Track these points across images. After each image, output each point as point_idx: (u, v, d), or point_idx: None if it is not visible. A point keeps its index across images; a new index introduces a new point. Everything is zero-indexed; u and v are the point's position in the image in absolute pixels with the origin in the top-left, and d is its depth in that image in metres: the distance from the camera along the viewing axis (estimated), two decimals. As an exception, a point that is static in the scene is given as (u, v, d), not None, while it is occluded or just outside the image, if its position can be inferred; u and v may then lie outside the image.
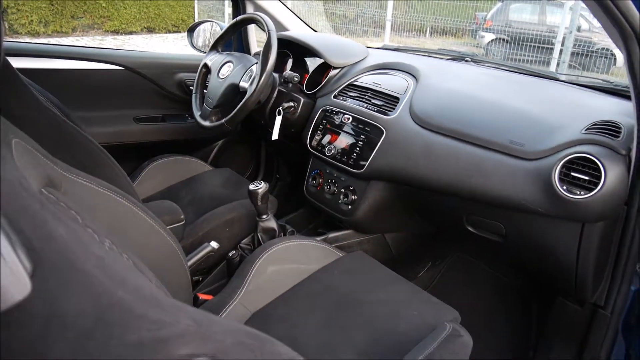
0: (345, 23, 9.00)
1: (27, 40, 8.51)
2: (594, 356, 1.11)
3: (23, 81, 0.97)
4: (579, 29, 6.64)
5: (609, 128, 1.01)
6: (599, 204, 0.94)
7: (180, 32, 10.79)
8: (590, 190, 0.94)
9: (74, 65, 1.66)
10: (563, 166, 0.98)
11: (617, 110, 1.15)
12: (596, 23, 7.37)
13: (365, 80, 1.51)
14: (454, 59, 1.74)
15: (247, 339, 0.59)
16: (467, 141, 1.17)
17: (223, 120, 1.45)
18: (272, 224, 1.36)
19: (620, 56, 6.77)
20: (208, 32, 2.00)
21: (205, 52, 1.77)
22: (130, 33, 10.17)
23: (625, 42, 0.87)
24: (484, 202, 1.15)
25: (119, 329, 0.44)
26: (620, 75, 6.76)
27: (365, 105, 1.41)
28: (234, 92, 1.50)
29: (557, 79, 1.47)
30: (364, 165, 1.35)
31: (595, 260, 1.05)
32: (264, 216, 1.35)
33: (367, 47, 1.88)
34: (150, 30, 10.49)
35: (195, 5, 10.46)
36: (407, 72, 1.46)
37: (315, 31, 2.01)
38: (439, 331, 0.97)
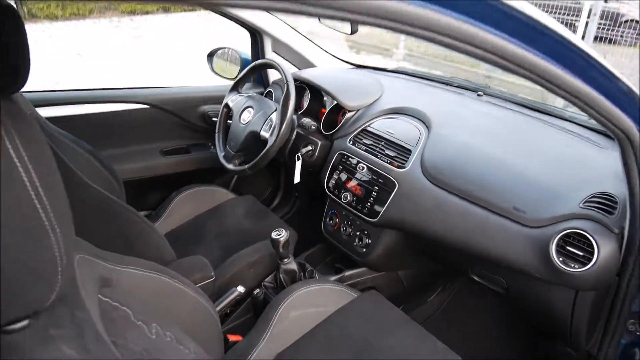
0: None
1: (46, 25, 8.63)
2: None
3: (68, 164, 1.08)
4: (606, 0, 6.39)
5: (606, 203, 1.09)
6: (592, 278, 1.03)
7: (194, 10, 10.77)
8: (584, 264, 1.03)
9: (102, 108, 1.78)
10: (560, 239, 1.07)
11: (620, 173, 1.22)
12: None
13: (379, 126, 1.58)
14: (466, 88, 1.80)
15: None
16: (475, 202, 1.25)
17: (246, 167, 1.55)
18: (293, 265, 1.48)
19: None
20: (227, 56, 2.09)
21: (221, 76, 1.87)
22: (147, 13, 10.20)
23: (619, 143, 0.94)
24: (487, 260, 1.24)
25: None
26: None
27: (379, 155, 1.50)
28: (255, 139, 1.60)
29: (564, 118, 1.54)
30: (378, 215, 1.45)
31: (588, 319, 1.16)
32: (285, 260, 1.47)
33: (382, 69, 1.95)
34: (166, 10, 10.49)
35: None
36: (419, 120, 1.54)
37: (341, 59, 2.07)
38: None
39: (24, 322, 0.53)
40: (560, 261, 1.06)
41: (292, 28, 1.95)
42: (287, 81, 1.51)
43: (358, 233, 1.56)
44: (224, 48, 2.06)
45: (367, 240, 1.53)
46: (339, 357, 1.20)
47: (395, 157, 1.47)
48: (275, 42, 1.92)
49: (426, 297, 1.81)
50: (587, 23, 6.14)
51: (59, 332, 0.55)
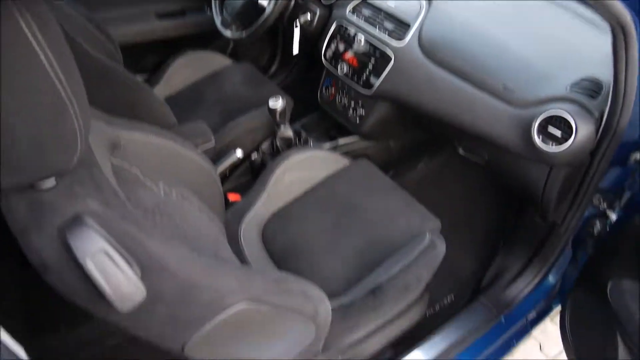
0: None
1: None
2: (545, 260, 1.40)
3: (69, 34, 1.09)
4: None
5: (591, 87, 1.14)
6: (567, 156, 1.12)
7: None
8: (561, 144, 1.11)
9: None
10: (543, 120, 1.13)
11: (608, 52, 1.24)
12: None
13: None
14: None
15: (273, 284, 0.87)
16: (466, 79, 1.29)
17: (243, 35, 1.54)
18: (289, 132, 1.55)
19: None
20: None
21: None
22: None
23: (612, 30, 0.95)
24: (472, 134, 1.32)
25: (195, 296, 0.70)
26: None
27: (377, 27, 1.48)
28: (253, 6, 1.56)
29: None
30: (373, 87, 1.48)
31: (559, 191, 1.27)
32: (282, 126, 1.53)
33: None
34: None
35: None
36: None
37: None
38: (418, 242, 1.22)
39: (52, 182, 0.61)
40: (539, 140, 1.13)
41: None
42: None
43: (353, 104, 1.61)
44: None
45: (361, 111, 1.59)
46: (328, 215, 1.33)
47: (394, 30, 1.46)
48: None
49: (413, 166, 1.92)
50: None
51: (83, 190, 0.63)
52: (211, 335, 0.76)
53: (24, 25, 0.49)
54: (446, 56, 1.33)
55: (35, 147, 0.55)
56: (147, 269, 0.63)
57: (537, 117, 1.13)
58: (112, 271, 0.58)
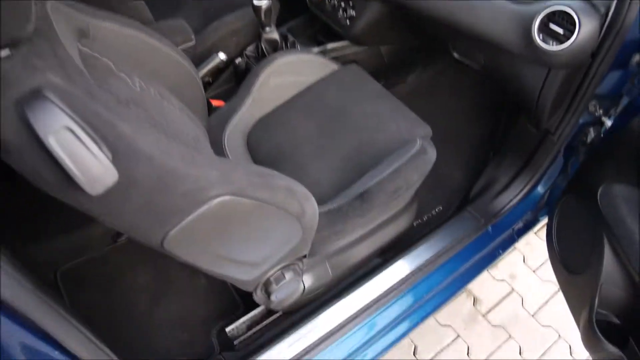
0: None
1: None
2: (535, 169, 1.38)
3: None
4: None
5: None
6: (567, 56, 1.06)
7: None
8: (562, 42, 1.04)
9: None
10: (545, 16, 1.06)
11: None
12: None
13: None
14: None
15: (257, 177, 0.83)
16: None
17: None
18: (275, 35, 1.46)
19: None
20: None
21: None
22: None
23: None
24: (469, 35, 1.24)
25: (172, 185, 0.66)
26: None
27: None
28: None
29: None
30: None
31: (555, 96, 1.22)
32: (267, 28, 1.44)
33: None
34: None
35: None
36: None
37: None
38: (408, 148, 1.19)
39: (6, 51, 0.54)
40: (540, 38, 1.07)
41: None
42: None
43: (343, 4, 1.50)
44: None
45: (351, 11, 1.48)
46: (316, 120, 1.28)
47: None
48: None
49: (405, 76, 1.85)
50: None
51: (42, 62, 0.57)
52: (192, 229, 0.73)
53: None
54: None
55: None
56: (118, 152, 0.59)
57: (539, 13, 1.06)
58: (78, 150, 0.53)
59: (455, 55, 1.39)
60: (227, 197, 0.72)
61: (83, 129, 0.54)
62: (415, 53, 1.81)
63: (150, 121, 0.80)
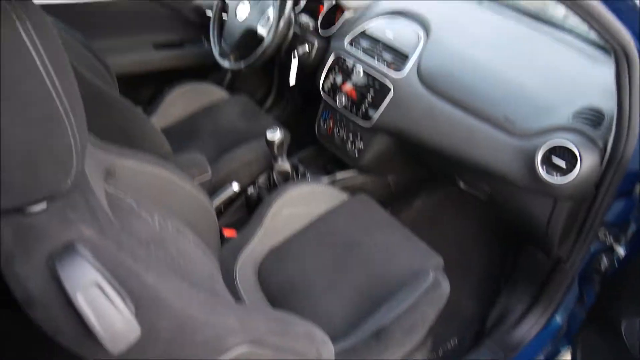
0: None
1: None
2: (551, 299, 1.35)
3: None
4: None
5: (594, 117, 1.12)
6: (572, 188, 1.09)
7: None
8: (566, 174, 1.08)
9: None
10: (546, 150, 1.11)
11: (610, 87, 1.23)
12: None
13: (378, 27, 1.54)
14: None
15: (276, 324, 0.81)
16: (467, 110, 1.27)
17: (242, 66, 1.53)
18: (286, 166, 1.52)
19: None
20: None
21: None
22: None
23: (615, 56, 0.95)
24: (473, 167, 1.29)
25: (191, 334, 0.64)
26: None
27: (376, 58, 1.48)
28: (252, 36, 1.56)
29: (564, 28, 1.50)
30: (371, 119, 1.46)
31: (563, 226, 1.23)
32: (279, 159, 1.50)
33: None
34: None
35: None
36: (418, 23, 1.50)
37: None
38: (421, 280, 1.17)
39: (43, 205, 0.56)
40: (543, 171, 1.11)
41: None
42: None
43: (351, 137, 1.59)
44: None
45: (359, 144, 1.57)
46: (327, 252, 1.28)
47: (392, 61, 1.45)
48: None
49: (412, 202, 1.89)
50: None
51: (76, 215, 0.58)
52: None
53: (20, 29, 0.46)
54: (445, 87, 1.32)
55: (26, 165, 0.51)
56: (142, 304, 0.58)
57: (540, 147, 1.11)
58: (104, 307, 0.53)
59: (461, 185, 1.44)
60: (245, 347, 0.70)
61: (111, 284, 0.54)
62: (422, 182, 1.87)
63: (170, 263, 0.80)
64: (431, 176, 1.82)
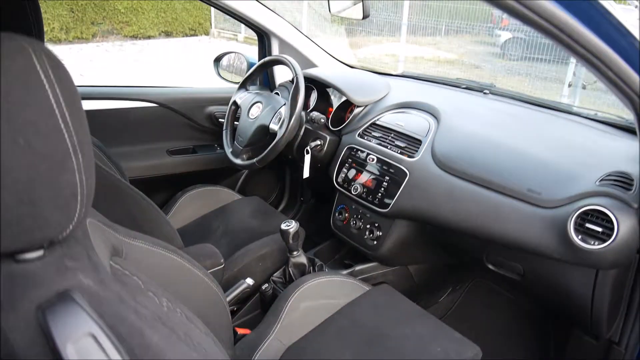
0: (361, 24, 9.03)
1: (49, 47, 8.71)
2: None
3: None
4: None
5: (622, 180, 1.08)
6: (612, 254, 1.01)
7: (197, 35, 10.96)
8: (604, 241, 1.01)
9: (112, 104, 1.78)
10: (578, 217, 1.05)
11: (631, 155, 1.21)
12: (616, 15, 7.38)
13: (388, 119, 1.58)
14: (470, 88, 1.80)
15: None
16: (488, 187, 1.24)
17: (254, 161, 1.54)
18: (303, 259, 1.45)
19: None
20: (233, 61, 2.10)
21: (227, 80, 1.88)
22: (149, 37, 10.36)
23: (634, 107, 0.93)
24: (502, 245, 1.22)
25: None
26: None
27: (389, 146, 1.49)
28: (264, 132, 1.59)
29: (571, 112, 1.53)
30: (389, 205, 1.43)
31: (610, 301, 1.12)
32: (295, 252, 1.44)
33: (387, 74, 1.97)
34: (167, 34, 10.66)
35: (212, 9, 10.58)
36: (428, 112, 1.54)
37: (342, 62, 2.09)
38: None
39: (39, 252, 0.50)
40: (579, 239, 1.04)
41: (297, 29, 1.97)
42: (296, 74, 1.52)
43: (368, 226, 1.54)
44: (231, 52, 2.07)
45: (377, 232, 1.51)
46: (351, 347, 1.17)
47: (406, 147, 1.46)
48: (282, 43, 1.94)
49: (437, 297, 1.77)
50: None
51: (75, 264, 0.52)
52: None
53: (34, 57, 0.44)
54: (462, 166, 1.30)
55: (27, 203, 0.45)
56: None
57: (572, 214, 1.05)
58: None
59: (490, 267, 1.35)
60: None
61: (108, 336, 0.46)
62: (447, 271, 1.77)
63: (177, 337, 0.71)
64: (456, 263, 1.72)
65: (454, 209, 1.29)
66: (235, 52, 2.07)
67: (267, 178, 2.26)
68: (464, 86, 1.83)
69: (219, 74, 2.06)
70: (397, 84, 1.85)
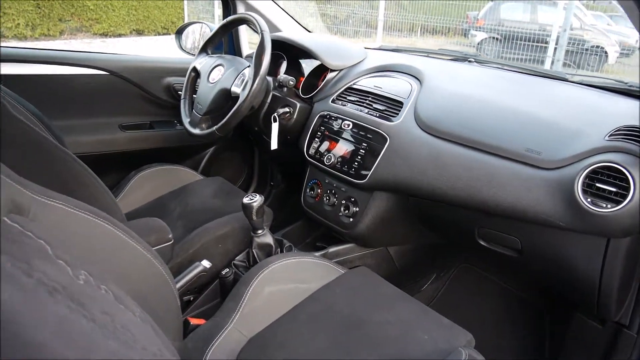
0: (336, 24, 8.94)
1: (13, 44, 8.34)
2: None
3: None
4: (570, 27, 6.68)
5: (636, 134, 0.93)
6: (628, 218, 0.86)
7: (169, 34, 10.65)
8: (618, 202, 0.86)
9: (55, 70, 1.57)
10: (586, 177, 0.90)
11: (638, 113, 1.07)
12: (587, 21, 7.49)
13: (366, 83, 1.42)
14: (456, 59, 1.65)
15: None
16: (479, 149, 1.08)
17: (214, 128, 1.35)
18: (268, 239, 1.27)
19: (612, 53, 7.00)
20: (197, 34, 1.90)
21: (194, 55, 1.68)
22: (119, 36, 10.02)
23: None
24: (498, 215, 1.06)
25: None
26: (614, 73, 6.87)
27: (367, 110, 1.32)
28: (226, 97, 1.40)
29: (566, 80, 1.39)
30: (367, 175, 1.26)
31: (621, 277, 0.97)
32: (260, 231, 1.25)
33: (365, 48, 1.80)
34: (139, 32, 10.34)
35: (185, 7, 10.35)
36: (409, 74, 1.38)
37: (310, 32, 1.92)
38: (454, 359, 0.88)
39: None
40: (588, 202, 0.88)
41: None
42: (261, 30, 1.34)
43: (344, 201, 1.36)
44: (195, 23, 1.87)
45: (354, 208, 1.33)
46: (325, 336, 0.99)
47: (385, 110, 1.29)
48: (248, 7, 1.76)
49: (421, 284, 1.60)
50: (555, 49, 6.38)
51: None
52: None
53: None
54: (449, 127, 1.14)
55: None
56: None
57: (579, 174, 0.90)
58: None
59: (483, 243, 1.19)
60: None
61: None
62: (429, 258, 1.61)
63: (90, 316, 0.53)
64: (441, 244, 1.56)
65: (440, 175, 1.13)
66: (200, 22, 1.87)
67: (233, 159, 2.06)
68: (448, 58, 1.68)
69: (181, 47, 1.86)
70: (374, 53, 1.68)
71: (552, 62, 6.45)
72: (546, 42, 6.63)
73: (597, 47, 6.82)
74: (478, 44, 8.03)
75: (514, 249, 1.13)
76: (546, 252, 1.08)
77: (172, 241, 1.10)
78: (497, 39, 7.60)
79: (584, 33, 7.03)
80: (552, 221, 0.96)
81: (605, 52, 6.88)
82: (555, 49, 6.43)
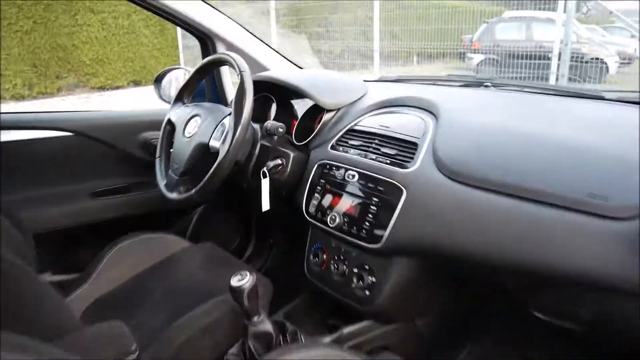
0: (331, 59, 8.88)
1: (12, 105, 8.31)
2: None
3: None
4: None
5: None
6: None
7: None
8: None
9: (13, 136, 1.37)
10: None
11: None
12: (583, 34, 7.40)
13: (369, 123, 1.19)
14: (468, 85, 1.43)
15: None
16: (523, 197, 0.84)
17: (192, 192, 1.13)
18: (267, 326, 1.02)
19: (612, 64, 6.91)
20: (181, 81, 1.70)
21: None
22: (117, 88, 10.02)
23: None
24: (556, 280, 0.81)
25: None
26: (617, 83, 6.75)
27: (374, 156, 1.10)
28: (204, 153, 1.18)
29: (603, 98, 1.16)
30: (382, 236, 1.01)
31: None
32: (255, 317, 1.00)
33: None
34: (136, 83, 10.35)
35: (181, 54, 10.39)
36: (420, 108, 1.15)
37: (301, 68, 1.72)
38: None
39: None
40: None
41: (247, 30, 1.60)
42: (240, 71, 1.13)
43: (356, 270, 1.11)
44: (174, 69, 1.68)
45: (369, 278, 1.08)
46: None
47: (397, 155, 1.06)
48: (230, 48, 1.56)
49: (455, 355, 1.33)
50: (558, 65, 6.26)
51: None
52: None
53: None
54: (481, 172, 0.90)
55: None
56: None
57: None
58: None
59: (539, 315, 0.93)
60: None
61: None
62: (467, 320, 1.34)
63: None
64: (480, 309, 1.29)
65: (476, 233, 0.89)
66: (180, 68, 1.68)
67: (226, 219, 1.82)
68: (459, 84, 1.46)
69: (161, 97, 1.66)
70: (375, 85, 1.47)
71: (557, 78, 6.31)
72: (547, 59, 6.50)
73: (597, 59, 6.74)
74: (476, 66, 7.96)
75: (579, 322, 0.87)
76: (622, 325, 0.83)
77: (137, 352, 0.86)
78: (494, 60, 7.51)
79: (581, 46, 6.93)
80: (629, 288, 0.71)
81: (605, 64, 6.79)
82: (559, 64, 6.30)
